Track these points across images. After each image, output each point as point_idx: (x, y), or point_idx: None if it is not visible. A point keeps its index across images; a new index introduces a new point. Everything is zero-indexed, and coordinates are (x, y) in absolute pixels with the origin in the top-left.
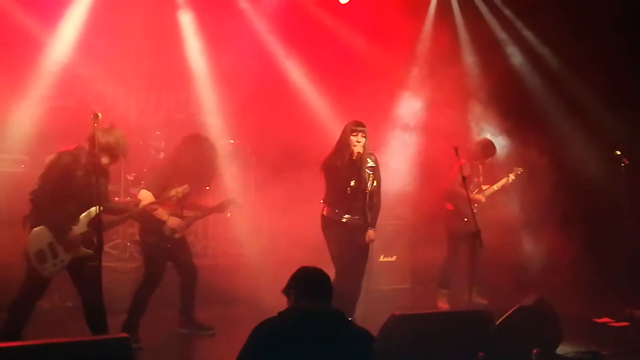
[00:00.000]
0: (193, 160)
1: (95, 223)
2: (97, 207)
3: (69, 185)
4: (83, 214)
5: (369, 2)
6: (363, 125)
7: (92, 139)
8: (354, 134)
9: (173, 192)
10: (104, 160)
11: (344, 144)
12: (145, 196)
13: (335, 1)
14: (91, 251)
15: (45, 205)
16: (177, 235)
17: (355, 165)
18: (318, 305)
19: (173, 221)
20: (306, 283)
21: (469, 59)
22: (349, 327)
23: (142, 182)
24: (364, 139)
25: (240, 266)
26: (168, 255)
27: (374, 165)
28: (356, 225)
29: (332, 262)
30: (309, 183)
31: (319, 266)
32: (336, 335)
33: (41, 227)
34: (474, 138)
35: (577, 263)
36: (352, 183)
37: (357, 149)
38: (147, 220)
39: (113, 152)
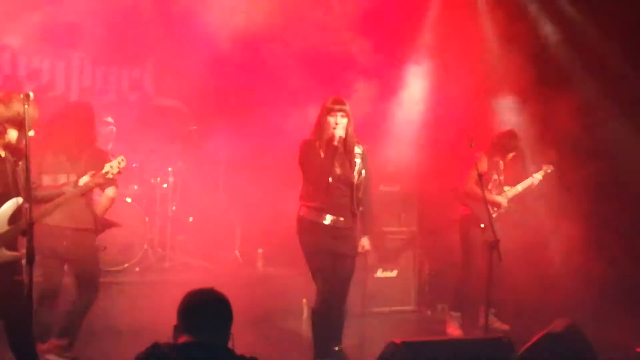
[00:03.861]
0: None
1: (18, 220)
2: (26, 205)
3: None
4: None
5: None
6: (343, 103)
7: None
8: (332, 114)
9: (107, 168)
10: (11, 137)
11: (321, 126)
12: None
13: None
14: (17, 253)
15: None
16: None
17: (337, 151)
18: (193, 340)
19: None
20: (184, 313)
21: (490, 29)
22: None
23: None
24: (344, 120)
25: (205, 283)
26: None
27: (362, 153)
28: (341, 230)
29: (312, 277)
30: (290, 181)
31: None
32: None
33: None
34: (495, 128)
35: (616, 282)
36: (337, 170)
37: (338, 132)
38: None
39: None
